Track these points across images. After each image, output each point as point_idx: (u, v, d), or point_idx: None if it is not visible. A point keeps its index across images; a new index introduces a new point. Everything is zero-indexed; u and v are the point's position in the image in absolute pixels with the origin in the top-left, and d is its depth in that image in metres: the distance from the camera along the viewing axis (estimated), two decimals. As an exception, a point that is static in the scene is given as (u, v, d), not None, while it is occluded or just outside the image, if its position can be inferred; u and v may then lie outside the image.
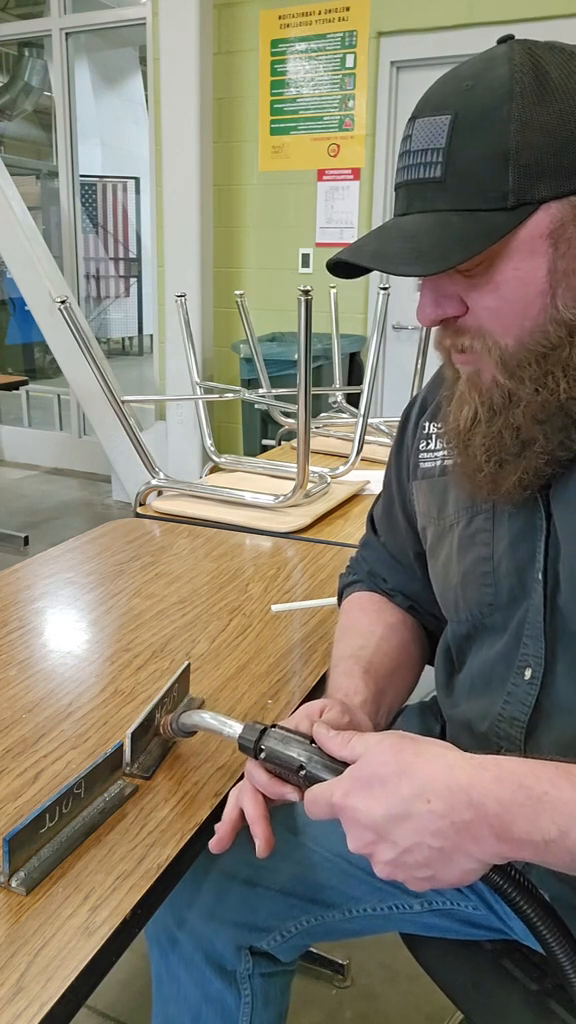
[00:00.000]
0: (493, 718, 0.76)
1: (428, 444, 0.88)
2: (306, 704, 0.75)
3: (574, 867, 0.55)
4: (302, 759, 0.64)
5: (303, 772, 0.64)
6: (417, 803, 0.56)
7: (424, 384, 0.95)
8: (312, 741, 0.66)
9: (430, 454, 0.87)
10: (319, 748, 0.65)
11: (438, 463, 0.85)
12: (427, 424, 0.89)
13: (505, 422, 0.67)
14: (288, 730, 0.67)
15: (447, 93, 0.64)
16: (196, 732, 0.78)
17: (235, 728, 0.69)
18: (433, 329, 0.71)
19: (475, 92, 0.62)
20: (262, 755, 0.66)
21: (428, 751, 0.59)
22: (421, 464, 0.88)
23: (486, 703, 0.78)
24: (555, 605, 0.71)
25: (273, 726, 0.68)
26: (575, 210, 0.61)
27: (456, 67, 0.65)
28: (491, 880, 0.56)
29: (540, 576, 0.72)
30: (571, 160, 0.60)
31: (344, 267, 0.72)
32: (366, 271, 0.72)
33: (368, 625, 0.92)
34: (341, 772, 0.61)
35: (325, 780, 0.62)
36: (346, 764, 0.62)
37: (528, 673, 0.73)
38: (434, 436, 0.87)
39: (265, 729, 0.67)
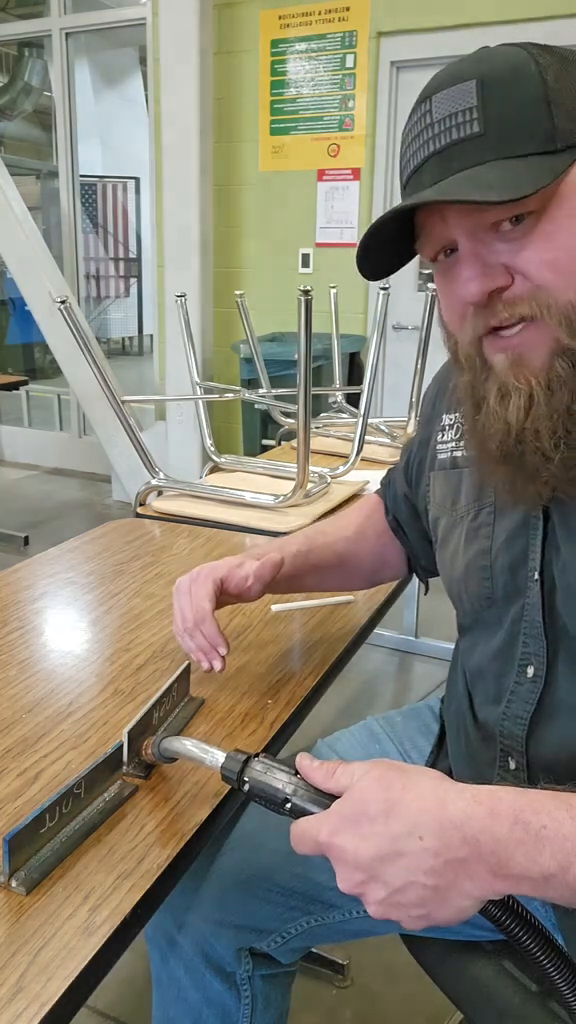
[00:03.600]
0: (497, 717, 0.76)
1: (443, 436, 0.88)
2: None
3: (575, 901, 0.53)
4: (287, 791, 0.61)
5: (288, 805, 0.61)
6: (408, 841, 0.53)
7: (435, 375, 0.95)
8: (296, 772, 0.62)
9: (444, 445, 0.87)
10: (303, 779, 0.62)
11: (449, 455, 0.85)
12: (443, 416, 0.89)
13: (572, 392, 0.61)
14: (272, 759, 0.64)
15: (460, 70, 0.62)
16: (177, 760, 0.74)
17: (217, 757, 0.66)
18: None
19: (492, 62, 0.61)
20: (245, 787, 0.63)
21: (417, 784, 0.55)
22: (438, 456, 0.88)
23: (490, 699, 0.78)
24: (553, 606, 0.71)
25: (256, 755, 0.64)
26: None
27: (456, 59, 0.64)
28: (488, 913, 0.54)
29: (536, 576, 0.71)
30: None
31: (371, 261, 0.69)
32: (397, 266, 0.69)
33: (344, 528, 1.05)
34: (327, 805, 0.58)
35: (310, 812, 0.59)
36: (332, 796, 0.59)
37: (531, 671, 0.73)
38: (447, 428, 0.87)
39: (248, 759, 0.64)
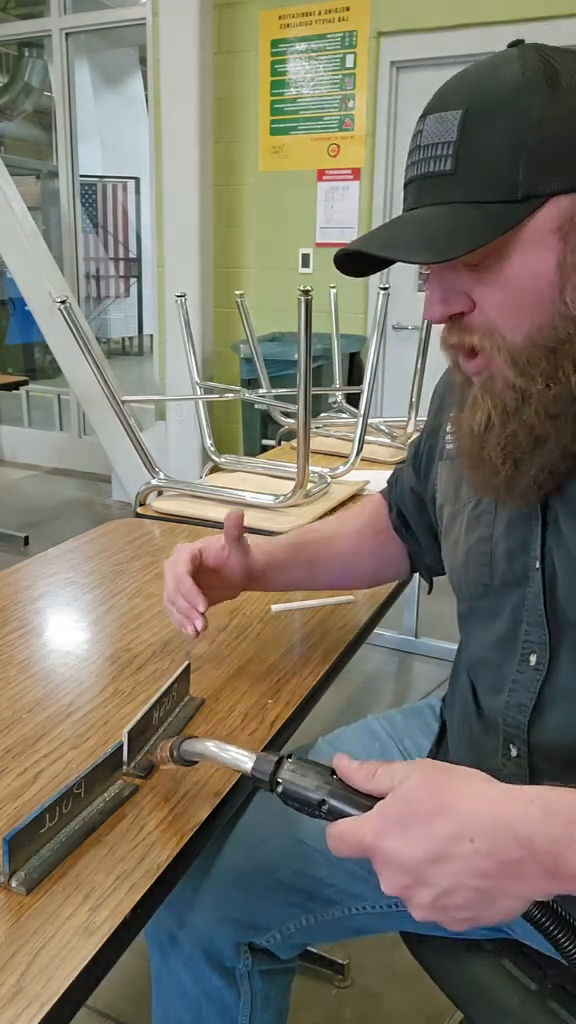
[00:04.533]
0: (500, 705, 0.77)
1: (451, 427, 0.89)
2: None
3: None
4: (323, 793, 0.59)
5: (325, 807, 0.59)
6: (459, 843, 0.52)
7: (447, 368, 0.96)
8: (333, 772, 0.60)
9: (451, 436, 0.89)
10: (340, 780, 0.60)
11: (455, 445, 0.87)
12: (452, 407, 0.90)
13: (520, 422, 0.66)
14: (304, 760, 0.62)
15: (458, 90, 0.64)
16: (197, 762, 0.72)
17: (245, 758, 0.64)
18: (439, 327, 0.71)
19: (486, 88, 0.62)
20: (279, 789, 0.61)
21: (465, 785, 0.54)
22: (447, 445, 0.90)
23: (492, 689, 0.79)
24: (554, 594, 0.72)
25: (289, 756, 0.63)
26: None
27: (467, 67, 0.66)
28: (530, 915, 0.53)
29: (538, 564, 0.73)
30: None
31: (352, 263, 0.72)
32: (376, 267, 0.72)
33: (343, 526, 1.08)
34: (366, 806, 0.57)
35: (348, 813, 0.57)
36: (371, 797, 0.57)
37: (533, 659, 0.74)
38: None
39: (280, 760, 0.62)
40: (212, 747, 0.68)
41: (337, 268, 0.73)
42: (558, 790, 0.54)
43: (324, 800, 0.59)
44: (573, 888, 0.52)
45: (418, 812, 0.53)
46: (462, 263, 0.64)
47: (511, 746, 0.76)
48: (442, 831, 0.52)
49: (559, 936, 0.53)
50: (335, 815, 0.58)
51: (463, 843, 0.52)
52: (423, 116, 0.66)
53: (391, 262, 0.73)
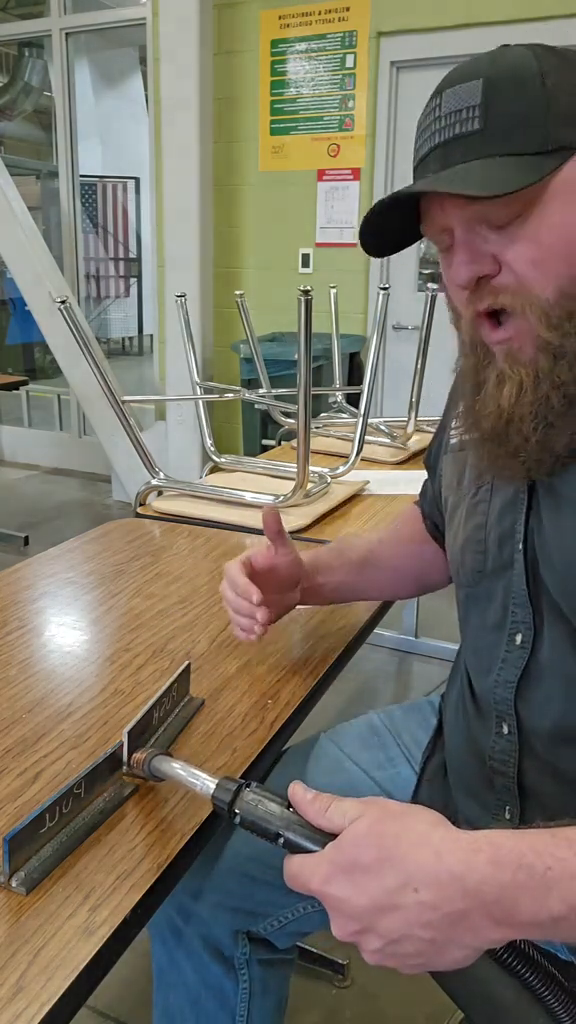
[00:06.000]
0: (490, 685, 0.79)
1: (456, 421, 0.90)
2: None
3: None
4: (279, 827, 0.59)
5: (281, 840, 0.59)
6: (403, 894, 0.51)
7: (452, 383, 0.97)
8: (289, 804, 0.60)
9: (455, 430, 0.90)
10: (296, 812, 0.60)
11: (459, 438, 0.88)
12: (460, 403, 0.91)
13: (552, 383, 0.66)
14: (263, 789, 0.62)
15: (469, 69, 0.66)
16: (164, 780, 0.72)
17: (207, 784, 0.64)
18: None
19: (500, 63, 0.65)
20: (236, 819, 0.62)
21: (411, 831, 0.54)
22: (451, 439, 0.91)
23: (484, 671, 0.80)
24: (536, 574, 0.74)
25: (247, 784, 0.63)
26: None
27: (467, 59, 0.67)
28: (494, 955, 0.53)
29: (520, 547, 0.75)
30: None
31: (375, 236, 0.73)
32: (400, 246, 0.74)
33: (380, 533, 1.11)
34: (322, 841, 0.57)
35: (304, 847, 0.58)
36: (326, 832, 0.57)
37: (519, 639, 0.76)
38: (460, 414, 0.90)
39: (240, 788, 0.62)
40: (179, 769, 0.69)
41: (361, 239, 0.74)
42: (506, 834, 0.53)
43: (280, 833, 0.59)
44: (527, 933, 0.51)
45: (363, 861, 0.53)
46: (489, 225, 0.66)
47: (503, 724, 0.78)
48: (387, 881, 0.52)
49: (529, 978, 0.53)
50: (291, 848, 0.58)
51: (408, 893, 0.51)
52: (437, 93, 0.67)
53: (409, 242, 0.74)
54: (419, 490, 1.10)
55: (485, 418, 0.71)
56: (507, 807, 0.79)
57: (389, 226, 0.73)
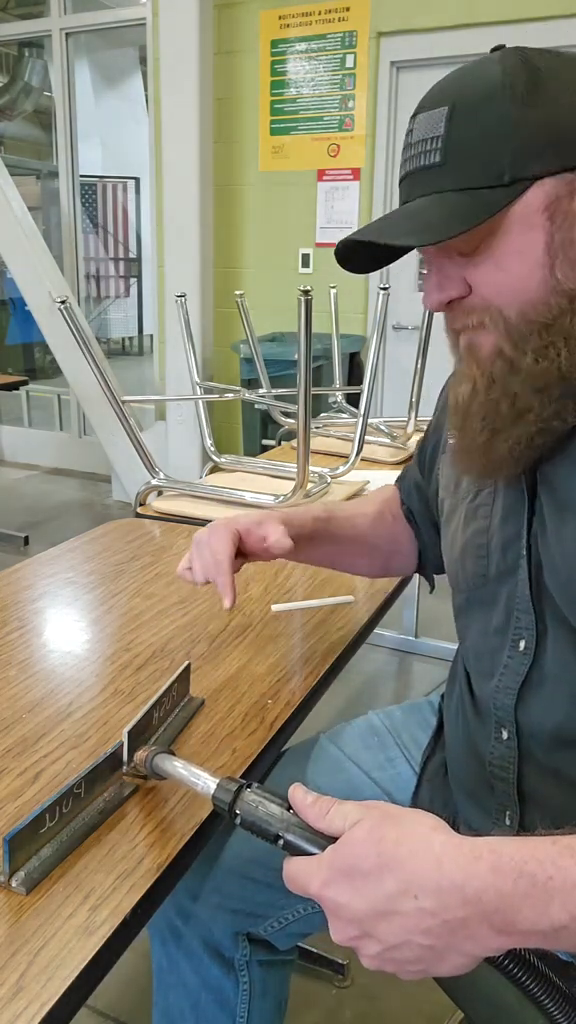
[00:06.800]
0: (491, 690, 0.78)
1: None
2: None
3: None
4: (279, 828, 0.59)
5: (281, 842, 0.59)
6: (403, 900, 0.51)
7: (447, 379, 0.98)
8: (289, 806, 0.60)
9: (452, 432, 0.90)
10: (296, 814, 0.59)
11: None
12: None
13: (503, 391, 0.68)
14: (264, 790, 0.62)
15: (444, 89, 0.67)
16: (166, 779, 0.72)
17: (208, 783, 0.64)
18: (439, 328, 0.73)
19: (470, 86, 0.65)
20: (237, 819, 0.61)
21: (411, 837, 0.53)
22: (449, 440, 0.91)
23: (486, 675, 0.80)
24: (540, 580, 0.73)
25: (248, 785, 0.62)
26: (569, 185, 0.64)
27: (454, 70, 0.69)
28: (494, 961, 0.52)
29: (524, 552, 0.75)
30: (563, 138, 0.63)
31: (350, 260, 0.75)
32: (373, 265, 0.75)
33: (364, 507, 1.09)
34: (322, 844, 0.56)
35: (304, 850, 0.57)
36: (326, 835, 0.57)
37: (522, 645, 0.75)
38: None
39: (240, 788, 0.62)
40: (180, 768, 0.69)
41: (339, 263, 0.76)
42: (508, 841, 0.53)
43: (280, 835, 0.59)
44: (527, 941, 0.51)
45: (362, 867, 0.53)
46: (457, 251, 0.68)
47: (502, 729, 0.78)
48: (387, 887, 0.52)
49: (531, 986, 0.52)
50: (291, 850, 0.58)
51: (407, 900, 0.51)
52: (414, 115, 0.69)
53: (389, 259, 0.76)
54: None
55: (451, 408, 0.75)
56: (507, 812, 0.79)
57: (363, 252, 0.75)
